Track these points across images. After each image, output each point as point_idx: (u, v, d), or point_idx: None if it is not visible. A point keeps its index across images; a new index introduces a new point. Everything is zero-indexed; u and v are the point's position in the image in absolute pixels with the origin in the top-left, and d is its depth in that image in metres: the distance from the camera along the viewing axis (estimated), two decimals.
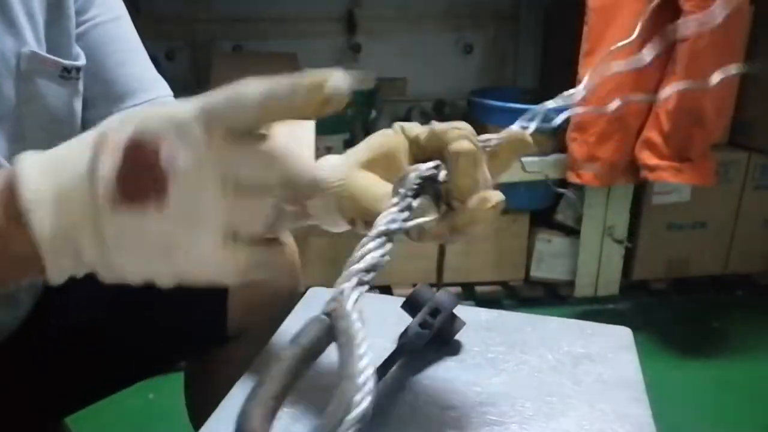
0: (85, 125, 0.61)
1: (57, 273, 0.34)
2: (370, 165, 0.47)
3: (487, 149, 0.47)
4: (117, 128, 0.32)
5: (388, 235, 0.40)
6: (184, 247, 0.32)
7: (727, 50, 1.43)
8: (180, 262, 0.32)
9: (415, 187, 0.41)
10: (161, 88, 0.65)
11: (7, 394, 0.59)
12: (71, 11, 0.58)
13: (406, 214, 0.40)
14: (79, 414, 0.70)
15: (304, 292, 0.66)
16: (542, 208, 1.76)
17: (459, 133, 0.42)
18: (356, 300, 0.35)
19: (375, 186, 0.45)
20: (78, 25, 0.59)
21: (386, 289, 1.74)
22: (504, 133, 0.48)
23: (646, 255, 1.80)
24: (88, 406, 0.69)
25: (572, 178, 1.61)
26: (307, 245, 1.66)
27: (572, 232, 1.76)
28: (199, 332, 0.66)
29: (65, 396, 0.66)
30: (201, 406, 0.71)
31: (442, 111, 2.12)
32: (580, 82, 1.61)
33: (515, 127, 0.49)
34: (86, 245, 0.33)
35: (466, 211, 0.41)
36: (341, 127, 1.85)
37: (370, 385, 0.29)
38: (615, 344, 0.57)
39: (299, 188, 0.34)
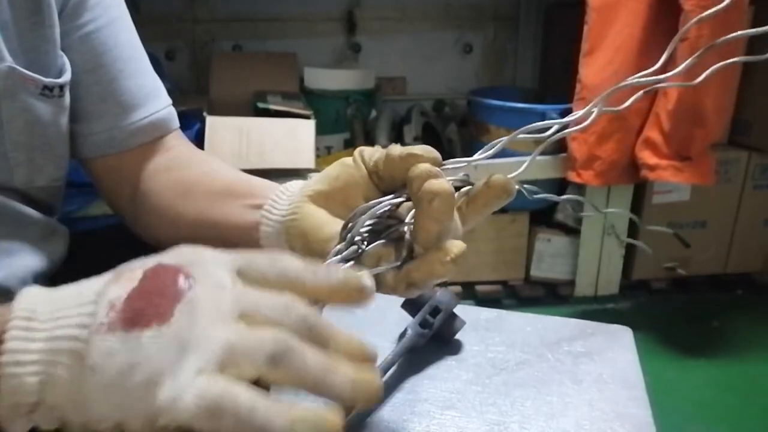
0: (91, 139, 0.59)
1: (9, 414, 0.29)
2: (325, 198, 0.44)
3: (461, 190, 0.42)
4: (136, 263, 0.31)
5: None
6: (166, 378, 0.27)
7: (727, 49, 1.43)
8: (159, 392, 0.27)
9: (365, 230, 0.37)
10: (163, 97, 0.63)
11: None
12: (53, 18, 0.54)
13: (350, 263, 0.37)
14: None
15: None
16: (542, 207, 1.76)
17: (423, 165, 0.38)
18: None
19: (325, 224, 0.43)
20: (71, 31, 0.56)
21: None
22: (484, 179, 0.43)
23: (646, 254, 1.80)
24: None
25: (572, 177, 1.61)
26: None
27: (572, 231, 1.76)
28: None
29: None
30: None
31: (441, 110, 2.13)
32: (580, 81, 1.62)
33: (498, 176, 0.43)
34: (59, 377, 0.28)
35: (424, 264, 0.38)
36: (341, 126, 1.85)
37: None
38: (615, 344, 0.57)
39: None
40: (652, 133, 1.52)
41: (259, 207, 0.48)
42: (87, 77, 0.57)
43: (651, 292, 1.83)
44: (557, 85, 1.80)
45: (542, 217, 1.79)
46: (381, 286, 0.39)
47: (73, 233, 0.63)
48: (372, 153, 0.44)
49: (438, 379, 0.51)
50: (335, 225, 0.41)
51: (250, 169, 1.48)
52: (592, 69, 1.52)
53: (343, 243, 0.37)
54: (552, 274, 1.81)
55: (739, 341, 1.63)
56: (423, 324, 0.52)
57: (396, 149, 0.41)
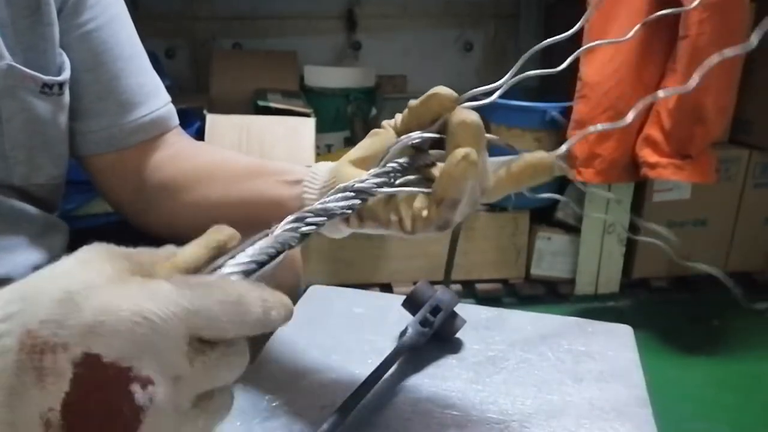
0: (91, 137, 0.59)
1: None
2: (362, 162, 0.46)
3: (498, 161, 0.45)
4: (59, 333, 0.22)
5: (355, 191, 0.38)
6: None
7: (728, 47, 1.43)
8: None
9: (401, 160, 0.41)
10: (162, 95, 0.63)
11: None
12: (52, 16, 0.54)
13: (383, 179, 0.39)
14: None
15: (305, 290, 0.66)
16: (543, 206, 1.76)
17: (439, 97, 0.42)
18: (284, 229, 0.34)
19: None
20: (70, 29, 0.56)
21: (387, 287, 1.74)
22: (528, 155, 0.46)
23: (646, 253, 1.80)
24: None
25: (573, 175, 1.60)
26: (307, 244, 1.66)
27: (573, 229, 1.76)
28: None
29: None
30: None
31: None
32: (580, 79, 1.61)
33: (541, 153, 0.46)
34: None
35: (443, 174, 0.39)
36: (341, 124, 1.85)
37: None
38: (615, 342, 0.57)
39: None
40: (652, 131, 1.52)
41: (295, 182, 0.50)
42: (86, 76, 0.57)
43: (651, 291, 1.83)
44: (558, 82, 1.79)
45: (543, 215, 1.79)
46: (415, 217, 0.41)
47: (74, 231, 0.63)
48: (396, 117, 0.46)
49: (438, 377, 0.51)
50: None
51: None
52: (592, 67, 1.52)
53: (377, 167, 0.40)
54: (552, 273, 1.81)
55: (739, 340, 1.63)
56: (423, 323, 0.52)
57: (416, 100, 0.44)
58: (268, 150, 1.48)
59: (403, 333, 0.52)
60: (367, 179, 0.39)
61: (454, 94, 0.44)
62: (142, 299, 0.23)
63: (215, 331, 0.25)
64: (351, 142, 1.84)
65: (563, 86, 1.65)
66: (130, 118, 0.60)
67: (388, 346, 0.53)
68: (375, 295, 0.66)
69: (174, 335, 0.24)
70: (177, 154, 0.62)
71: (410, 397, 0.49)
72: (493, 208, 1.74)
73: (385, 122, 0.47)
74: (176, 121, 0.64)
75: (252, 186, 0.54)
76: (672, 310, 1.77)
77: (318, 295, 0.65)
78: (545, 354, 0.55)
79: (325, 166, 0.49)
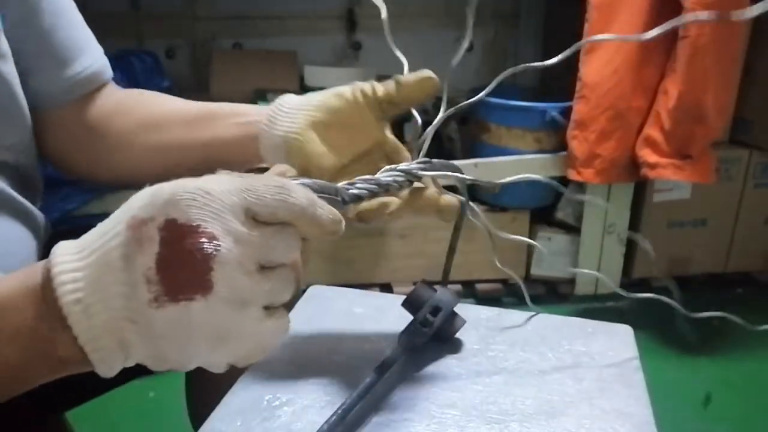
0: (35, 95, 0.59)
1: (106, 369, 0.33)
2: (324, 127, 0.49)
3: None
4: (149, 210, 0.30)
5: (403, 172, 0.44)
6: (234, 332, 0.31)
7: (727, 48, 1.43)
8: (231, 347, 0.32)
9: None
10: (95, 48, 0.63)
11: None
12: None
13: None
14: (80, 411, 0.70)
15: (305, 290, 0.66)
16: (543, 206, 1.76)
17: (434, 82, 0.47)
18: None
19: (326, 156, 0.48)
20: None
21: (387, 287, 1.74)
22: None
23: (646, 253, 1.80)
24: (87, 402, 0.69)
25: (573, 175, 1.60)
26: (307, 243, 1.66)
27: (572, 229, 1.76)
28: None
29: (65, 391, 0.66)
30: (201, 405, 0.71)
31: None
32: (580, 79, 1.62)
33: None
34: (134, 342, 0.31)
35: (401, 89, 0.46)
36: None
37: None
38: (615, 342, 0.57)
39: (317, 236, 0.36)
40: (652, 131, 1.52)
41: (250, 124, 0.52)
42: (20, 32, 0.57)
43: (651, 291, 1.83)
44: (558, 83, 1.80)
45: (543, 215, 1.79)
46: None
47: (73, 231, 0.63)
48: (374, 88, 0.49)
49: (438, 377, 0.51)
50: (334, 159, 0.48)
51: (251, 168, 1.48)
52: (592, 67, 1.52)
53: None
54: (552, 273, 1.81)
55: (740, 340, 1.63)
56: (423, 323, 0.52)
57: (406, 77, 0.48)
58: None
59: (403, 333, 0.52)
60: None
61: (439, 85, 0.49)
62: (206, 181, 0.31)
63: (264, 206, 0.32)
64: None
65: (563, 86, 1.65)
66: (66, 74, 0.59)
67: (388, 346, 0.53)
68: (375, 295, 0.66)
69: (230, 204, 0.31)
70: (121, 104, 0.62)
71: (410, 397, 0.49)
72: (493, 208, 1.74)
73: (357, 88, 0.49)
74: (110, 74, 0.64)
75: (208, 130, 0.55)
76: (672, 310, 1.76)
77: (318, 295, 0.65)
78: (545, 354, 0.55)
79: (289, 106, 0.51)
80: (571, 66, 1.55)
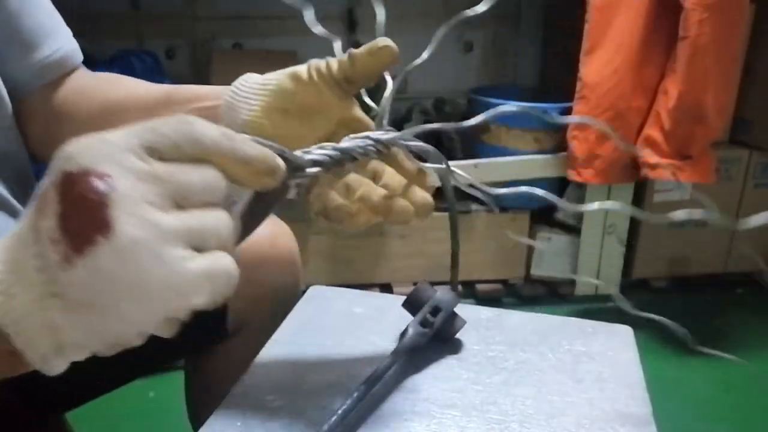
0: (6, 82, 0.57)
1: (38, 358, 0.30)
2: (283, 114, 0.47)
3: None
4: (49, 174, 0.29)
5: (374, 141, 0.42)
6: (155, 276, 0.28)
7: (727, 48, 1.43)
8: (159, 296, 0.28)
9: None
10: (64, 32, 0.61)
11: (7, 390, 0.59)
12: None
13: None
14: (80, 411, 0.70)
15: (305, 291, 0.66)
16: (543, 206, 1.76)
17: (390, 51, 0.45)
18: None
19: (288, 142, 0.44)
20: None
21: (387, 287, 1.74)
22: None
23: (646, 253, 1.80)
24: (87, 403, 0.69)
25: (573, 176, 1.60)
26: (307, 243, 1.66)
27: (572, 230, 1.76)
28: (198, 329, 0.66)
29: (65, 392, 0.66)
30: (200, 405, 0.71)
31: (442, 109, 2.12)
32: (580, 79, 1.62)
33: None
34: (59, 321, 0.29)
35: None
36: None
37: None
38: (615, 342, 0.57)
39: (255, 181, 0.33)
40: (652, 131, 1.52)
41: (209, 109, 0.50)
42: None
43: (651, 291, 1.83)
44: (558, 83, 1.80)
45: (543, 215, 1.79)
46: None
47: None
48: (329, 64, 0.47)
49: (439, 378, 0.51)
50: (297, 145, 0.44)
51: None
52: (592, 67, 1.52)
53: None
54: (552, 273, 1.81)
55: (740, 340, 1.63)
56: (424, 323, 0.52)
57: (360, 49, 0.46)
58: None
59: (403, 333, 0.52)
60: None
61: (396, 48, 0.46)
62: (107, 132, 0.29)
63: (165, 141, 0.29)
64: None
65: (563, 87, 1.65)
66: (36, 57, 0.58)
67: (388, 347, 0.53)
68: (375, 295, 0.66)
69: (125, 144, 0.29)
70: (86, 88, 0.61)
71: (410, 397, 0.49)
72: (493, 208, 1.74)
73: (312, 66, 0.48)
74: (80, 58, 0.63)
75: (169, 113, 0.54)
76: (672, 311, 1.77)
77: (318, 295, 0.65)
78: (545, 354, 0.55)
79: (245, 92, 0.49)
80: (571, 66, 1.55)
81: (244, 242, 0.34)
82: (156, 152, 0.29)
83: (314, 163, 0.38)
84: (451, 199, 0.51)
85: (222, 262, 0.30)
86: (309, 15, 0.47)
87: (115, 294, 0.28)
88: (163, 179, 0.29)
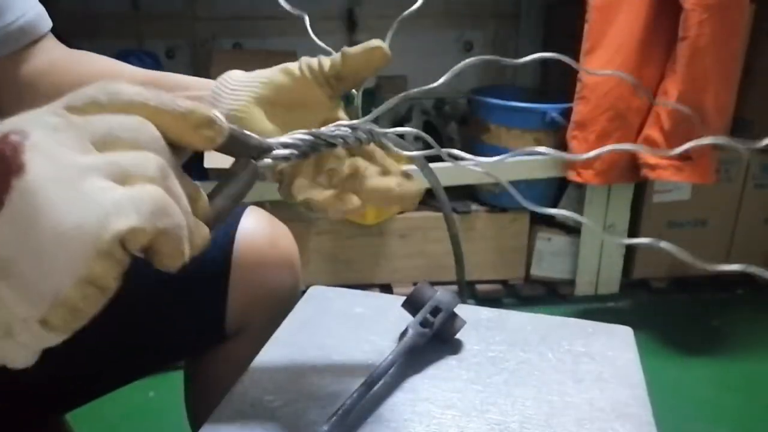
0: None
1: None
2: (271, 105, 0.46)
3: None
4: None
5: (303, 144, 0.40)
6: (77, 204, 0.26)
7: (727, 48, 1.43)
8: (76, 228, 0.26)
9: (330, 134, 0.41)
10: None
11: (7, 390, 0.59)
12: None
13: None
14: (80, 412, 0.70)
15: (305, 291, 0.66)
16: (543, 206, 1.76)
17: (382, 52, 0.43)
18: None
19: (271, 134, 0.43)
20: None
21: (387, 288, 1.74)
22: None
23: (646, 253, 1.80)
24: (87, 403, 0.69)
25: (573, 176, 1.61)
26: (307, 244, 1.66)
27: (572, 230, 1.76)
28: (197, 330, 0.66)
29: (65, 392, 0.66)
30: (200, 405, 0.71)
31: (442, 109, 2.13)
32: (580, 80, 1.62)
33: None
34: None
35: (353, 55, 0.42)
36: None
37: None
38: (615, 343, 0.57)
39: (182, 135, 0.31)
40: (652, 131, 1.52)
41: (195, 98, 0.48)
42: None
43: (651, 291, 1.83)
44: (558, 83, 1.80)
45: (542, 216, 1.79)
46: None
47: None
48: (321, 62, 0.47)
49: (439, 378, 0.51)
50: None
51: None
52: (592, 67, 1.52)
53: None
54: (552, 273, 1.81)
55: (740, 340, 1.63)
56: (423, 323, 0.52)
57: (353, 48, 0.45)
58: None
59: (403, 334, 0.52)
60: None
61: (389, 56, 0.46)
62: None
63: (85, 101, 0.28)
64: None
65: (563, 87, 1.65)
66: (5, 20, 0.55)
67: (388, 347, 0.53)
68: (375, 295, 0.66)
69: (46, 108, 0.28)
70: (56, 64, 0.58)
71: (410, 398, 0.49)
72: (493, 208, 1.74)
73: (304, 63, 0.47)
74: (48, 25, 0.60)
75: None
76: (672, 311, 1.77)
77: (318, 295, 0.65)
78: (545, 355, 0.55)
79: (234, 83, 0.48)
80: (571, 67, 1.55)
81: (218, 226, 0.34)
82: (76, 109, 0.28)
83: (284, 145, 0.38)
84: (440, 195, 0.51)
85: (147, 189, 0.27)
86: (307, 23, 0.48)
87: (38, 238, 0.25)
88: (80, 126, 0.28)
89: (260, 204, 0.69)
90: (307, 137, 0.39)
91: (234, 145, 0.34)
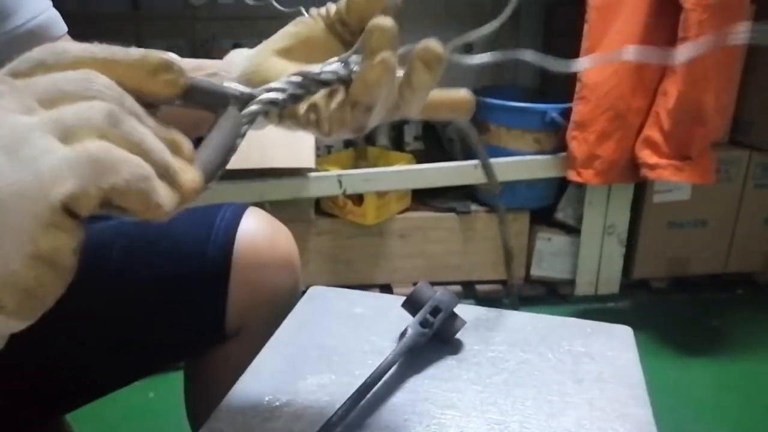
0: None
1: None
2: (286, 53, 0.45)
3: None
4: None
5: (304, 82, 0.38)
6: (22, 170, 0.24)
7: (727, 48, 1.43)
8: (12, 202, 0.23)
9: (317, 74, 0.38)
10: (40, 0, 0.57)
11: (7, 391, 0.59)
12: None
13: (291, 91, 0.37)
14: (80, 412, 0.70)
15: (305, 291, 0.66)
16: (542, 206, 1.76)
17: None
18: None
19: (289, 71, 0.41)
20: None
21: (387, 288, 1.74)
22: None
23: (646, 253, 1.80)
24: (87, 404, 0.69)
25: (573, 176, 1.61)
26: (307, 244, 1.66)
27: (572, 230, 1.76)
28: (197, 330, 0.66)
29: (65, 393, 0.66)
30: (200, 405, 0.71)
31: None
32: (580, 80, 1.62)
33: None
34: None
35: (357, 80, 0.37)
36: None
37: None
38: (615, 343, 0.57)
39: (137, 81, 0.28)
40: (652, 132, 1.52)
41: (211, 75, 0.48)
42: None
43: (651, 292, 1.83)
44: (558, 83, 1.80)
45: (542, 216, 1.79)
46: (332, 119, 0.39)
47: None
48: (327, 8, 0.45)
49: (438, 378, 0.51)
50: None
51: (251, 169, 1.48)
52: (592, 68, 1.52)
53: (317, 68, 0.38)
54: (552, 274, 1.81)
55: (740, 341, 1.63)
56: (423, 323, 0.52)
57: None
58: (268, 151, 1.48)
59: (403, 334, 0.52)
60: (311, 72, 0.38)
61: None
62: None
63: (31, 64, 0.27)
64: (351, 143, 1.84)
65: (563, 87, 1.65)
66: (5, 28, 0.54)
67: (388, 347, 0.53)
68: (375, 296, 0.66)
69: None
70: None
71: (410, 398, 0.49)
72: (493, 208, 1.74)
73: (314, 11, 0.46)
74: (62, 28, 0.59)
75: None
76: (672, 311, 1.77)
77: (318, 295, 0.65)
78: (545, 355, 0.55)
79: (241, 56, 0.47)
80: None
81: (212, 179, 0.32)
82: (21, 74, 0.27)
83: (269, 90, 0.36)
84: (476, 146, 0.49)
85: (87, 146, 0.24)
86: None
87: None
88: (23, 87, 0.26)
89: (260, 204, 0.69)
90: (294, 78, 0.37)
91: (205, 95, 0.33)
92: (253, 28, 2.02)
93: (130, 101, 0.27)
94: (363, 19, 0.44)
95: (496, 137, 1.67)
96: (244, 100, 0.35)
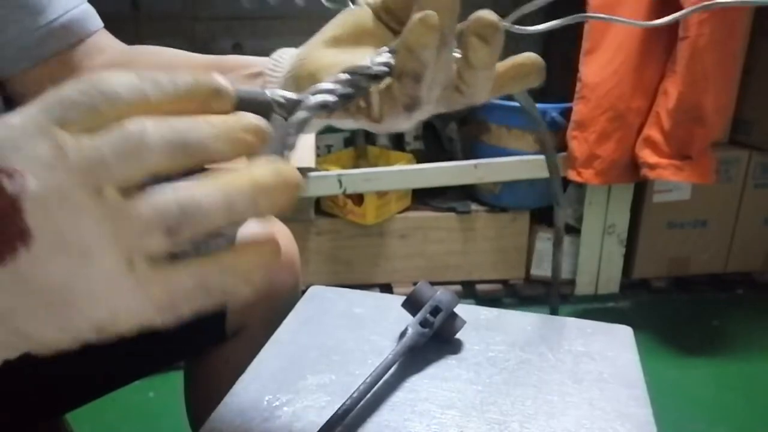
0: (2, 54, 0.53)
1: None
2: (335, 42, 0.42)
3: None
4: None
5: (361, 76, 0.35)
6: (80, 286, 0.24)
7: (727, 48, 1.43)
8: (86, 308, 0.25)
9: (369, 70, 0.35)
10: None
11: (7, 391, 0.59)
12: None
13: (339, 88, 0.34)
14: (80, 412, 0.70)
15: (305, 291, 0.66)
16: (543, 206, 1.76)
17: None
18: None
19: (338, 64, 0.38)
20: None
21: (387, 288, 1.74)
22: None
23: (646, 253, 1.80)
24: (87, 404, 0.69)
25: (573, 176, 1.61)
26: (307, 244, 1.66)
27: (573, 230, 1.76)
28: (197, 330, 0.66)
29: (65, 393, 0.66)
30: (200, 405, 0.71)
31: None
32: (580, 80, 1.62)
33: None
34: None
35: (398, 45, 0.34)
36: None
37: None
38: (615, 343, 0.57)
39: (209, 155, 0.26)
40: (652, 132, 1.52)
41: (258, 74, 0.46)
42: None
43: (651, 291, 1.83)
44: (558, 83, 1.80)
45: (543, 215, 1.79)
46: (381, 99, 0.37)
47: None
48: None
49: (438, 378, 0.51)
50: (349, 59, 0.38)
51: None
52: (592, 68, 1.52)
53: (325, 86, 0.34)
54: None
55: (740, 340, 1.63)
56: (423, 323, 0.52)
57: None
58: None
59: (403, 333, 0.52)
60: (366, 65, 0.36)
61: None
62: (16, 113, 0.24)
63: (80, 112, 0.24)
64: (351, 142, 1.83)
65: (563, 87, 1.65)
66: (39, 23, 0.53)
67: (388, 347, 0.53)
68: (375, 296, 0.66)
69: (33, 126, 0.23)
70: (117, 62, 0.56)
71: (410, 397, 0.49)
72: (493, 208, 1.74)
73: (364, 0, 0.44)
74: (97, 23, 0.58)
75: None
76: (672, 311, 1.77)
77: (318, 295, 0.65)
78: (545, 355, 0.55)
79: (289, 53, 0.46)
80: (570, 67, 1.55)
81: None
82: (70, 125, 0.24)
83: (317, 92, 0.34)
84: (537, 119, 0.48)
85: (164, 278, 0.25)
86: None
87: (36, 308, 0.24)
88: (74, 163, 0.23)
89: None
90: (343, 76, 0.35)
91: (248, 105, 0.30)
92: (253, 29, 2.02)
93: (192, 139, 0.25)
94: (405, 4, 0.41)
95: (496, 137, 1.67)
96: (290, 106, 0.33)
